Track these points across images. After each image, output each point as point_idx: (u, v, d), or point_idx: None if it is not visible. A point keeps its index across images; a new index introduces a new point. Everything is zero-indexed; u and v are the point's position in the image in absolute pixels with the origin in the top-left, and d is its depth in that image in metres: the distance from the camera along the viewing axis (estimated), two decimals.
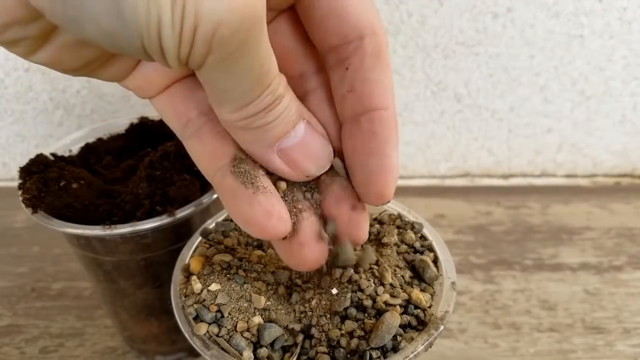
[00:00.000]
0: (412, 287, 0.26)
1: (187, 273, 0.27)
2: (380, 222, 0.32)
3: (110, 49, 0.15)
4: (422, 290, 0.26)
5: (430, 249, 0.29)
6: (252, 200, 0.20)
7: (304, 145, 0.20)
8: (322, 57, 0.22)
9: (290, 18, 0.22)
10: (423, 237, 0.30)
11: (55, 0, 0.13)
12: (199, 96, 0.22)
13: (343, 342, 0.24)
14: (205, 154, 0.21)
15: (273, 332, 0.24)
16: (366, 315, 0.25)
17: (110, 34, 0.14)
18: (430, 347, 0.23)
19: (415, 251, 0.29)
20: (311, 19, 0.21)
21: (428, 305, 0.25)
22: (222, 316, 0.24)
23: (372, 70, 0.20)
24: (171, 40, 0.14)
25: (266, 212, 0.20)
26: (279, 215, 0.20)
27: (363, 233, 0.23)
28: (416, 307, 0.25)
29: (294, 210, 0.22)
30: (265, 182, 0.21)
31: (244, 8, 0.14)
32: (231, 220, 0.31)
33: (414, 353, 0.23)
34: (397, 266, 0.27)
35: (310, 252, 0.22)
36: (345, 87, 0.21)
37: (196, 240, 0.30)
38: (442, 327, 0.24)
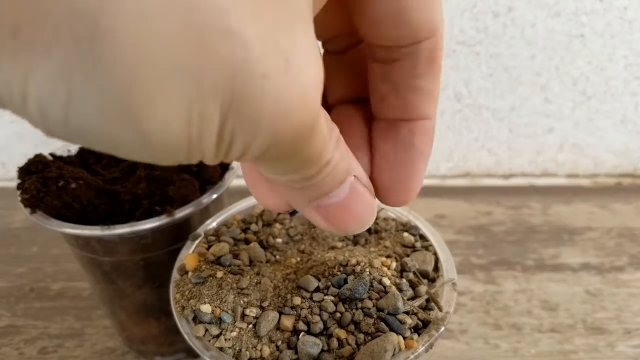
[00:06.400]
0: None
1: (183, 272, 0.27)
2: (376, 224, 0.31)
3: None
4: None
5: (431, 249, 0.29)
6: None
7: (344, 205, 0.18)
8: (365, 43, 0.19)
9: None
10: (423, 238, 0.30)
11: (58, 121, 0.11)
12: None
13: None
14: None
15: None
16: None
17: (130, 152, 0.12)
18: (431, 347, 0.23)
19: (415, 251, 0.29)
20: (362, 14, 0.17)
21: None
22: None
23: (422, 78, 0.18)
24: (212, 158, 0.13)
25: None
26: None
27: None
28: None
29: None
30: None
31: (300, 116, 0.13)
32: (228, 227, 0.31)
33: (415, 354, 0.23)
34: (388, 256, 0.28)
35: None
36: (389, 85, 0.19)
37: (195, 241, 0.30)
38: (442, 328, 0.24)
